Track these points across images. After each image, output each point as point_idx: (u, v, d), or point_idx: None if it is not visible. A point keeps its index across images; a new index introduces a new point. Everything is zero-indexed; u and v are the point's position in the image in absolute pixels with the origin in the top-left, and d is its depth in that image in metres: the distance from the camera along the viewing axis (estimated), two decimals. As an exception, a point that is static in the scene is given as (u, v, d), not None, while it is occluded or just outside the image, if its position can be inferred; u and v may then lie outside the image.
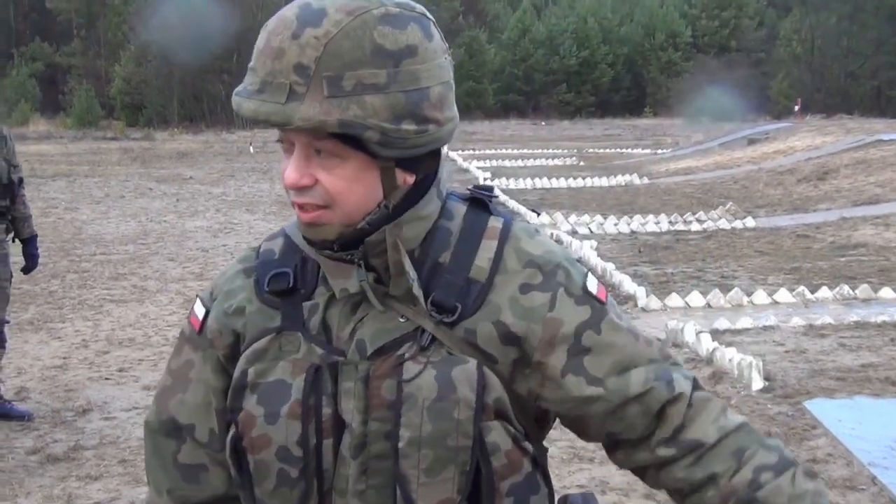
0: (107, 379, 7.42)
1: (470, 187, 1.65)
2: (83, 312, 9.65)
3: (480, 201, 1.61)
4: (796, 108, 42.43)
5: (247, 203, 18.82)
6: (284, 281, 1.57)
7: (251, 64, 1.45)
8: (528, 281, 1.54)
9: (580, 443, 5.77)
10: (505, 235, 1.57)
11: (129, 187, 21.70)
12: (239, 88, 1.46)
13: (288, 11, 1.44)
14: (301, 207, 1.48)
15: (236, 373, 1.56)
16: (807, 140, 25.45)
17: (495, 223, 1.58)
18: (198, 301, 1.67)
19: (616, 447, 1.61)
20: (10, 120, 43.31)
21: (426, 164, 1.53)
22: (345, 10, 1.41)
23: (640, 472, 1.62)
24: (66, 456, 5.87)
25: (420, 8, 1.50)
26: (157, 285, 11.02)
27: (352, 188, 1.47)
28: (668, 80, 57.20)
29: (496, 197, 1.65)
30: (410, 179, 1.51)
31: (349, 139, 1.42)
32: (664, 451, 1.56)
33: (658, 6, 60.75)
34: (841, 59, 55.39)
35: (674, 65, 57.85)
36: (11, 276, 6.56)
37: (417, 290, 1.49)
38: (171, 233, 15.01)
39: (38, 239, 6.70)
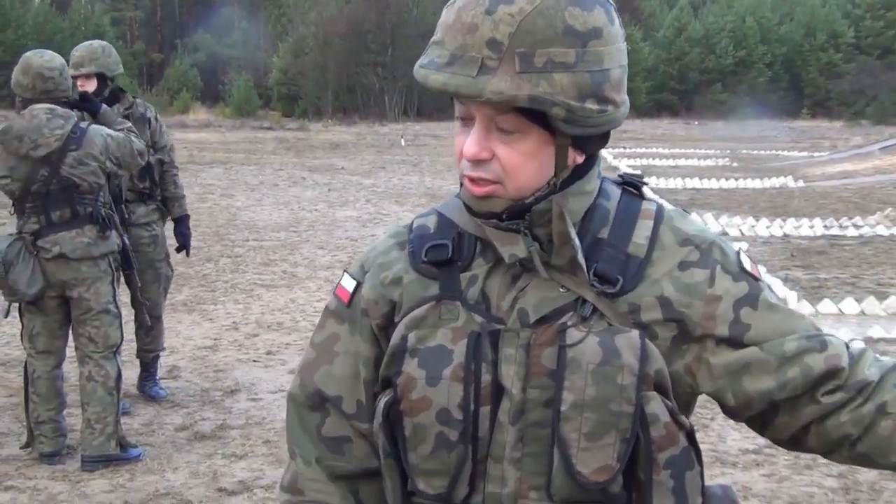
0: (255, 361, 7.58)
1: (620, 174, 1.67)
2: (234, 296, 9.88)
3: (634, 185, 1.64)
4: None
5: (396, 195, 18.98)
6: (443, 252, 1.61)
7: (437, 38, 1.50)
8: (686, 258, 1.57)
9: (722, 447, 5.68)
10: (660, 215, 1.61)
11: (282, 176, 22.09)
12: (423, 61, 1.50)
13: None
14: (473, 181, 1.52)
15: (395, 339, 1.59)
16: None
17: (649, 205, 1.62)
18: (345, 276, 1.72)
19: (777, 412, 1.58)
20: (172, 108, 44.61)
21: (596, 145, 1.57)
22: None
23: (802, 433, 1.59)
24: (212, 434, 6.01)
25: None
26: (306, 272, 11.20)
27: (527, 164, 1.51)
28: (828, 82, 55.78)
29: (647, 183, 1.68)
30: (580, 159, 1.56)
31: (532, 115, 1.47)
32: (830, 399, 1.54)
33: (820, 5, 59.25)
34: None
35: (834, 66, 56.31)
36: (167, 255, 6.73)
37: (581, 259, 1.52)
38: (321, 221, 15.23)
39: (194, 222, 6.81)
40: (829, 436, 1.56)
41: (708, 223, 14.54)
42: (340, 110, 51.13)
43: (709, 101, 56.01)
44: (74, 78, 6.12)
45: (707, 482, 1.65)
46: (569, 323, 1.52)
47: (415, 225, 1.69)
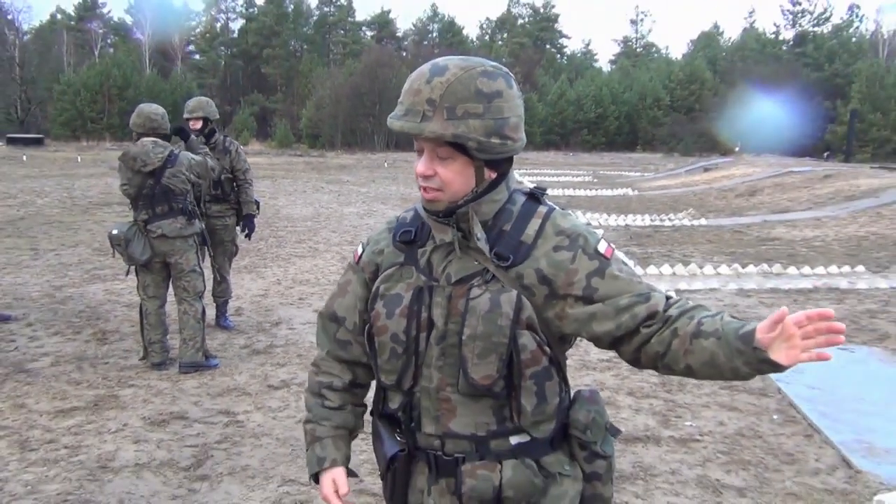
0: (291, 304, 7.52)
1: (530, 187, 1.71)
2: (278, 262, 9.78)
3: (535, 195, 1.67)
4: (737, 148, 41.36)
5: (382, 198, 18.87)
6: (409, 235, 1.66)
7: (400, 99, 1.56)
8: (559, 244, 1.59)
9: (587, 357, 5.73)
10: (547, 215, 1.63)
11: (308, 186, 21.89)
12: (392, 114, 1.55)
13: (424, 67, 1.55)
14: (425, 190, 1.57)
15: (374, 288, 1.65)
16: (742, 170, 24.83)
17: (542, 208, 1.64)
18: (360, 245, 1.78)
19: (619, 343, 1.60)
20: (238, 140, 44.06)
21: (504, 166, 1.60)
22: (459, 67, 1.51)
23: (635, 355, 1.60)
24: (264, 350, 5.97)
25: (505, 69, 1.57)
26: (324, 247, 11.12)
27: (457, 178, 1.55)
28: (653, 129, 56.17)
29: (546, 193, 1.70)
30: (493, 175, 1.59)
31: (457, 147, 1.51)
32: (648, 330, 1.56)
33: (648, 80, 59.57)
34: (766, 117, 53.87)
35: (657, 118, 56.57)
36: (234, 237, 6.67)
37: (483, 245, 1.56)
38: (333, 215, 15.12)
39: (254, 218, 6.77)
40: (648, 354, 1.58)
41: (580, 217, 14.55)
42: (346, 144, 50.77)
43: (579, 141, 56.23)
44: (188, 119, 6.24)
45: (576, 382, 1.69)
46: (475, 284, 1.56)
47: (399, 217, 1.74)
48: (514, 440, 1.59)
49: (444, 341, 1.56)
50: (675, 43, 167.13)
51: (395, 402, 1.65)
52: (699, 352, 1.49)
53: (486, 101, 1.50)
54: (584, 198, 20.38)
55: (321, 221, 14.12)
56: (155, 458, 3.99)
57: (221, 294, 6.62)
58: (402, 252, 1.65)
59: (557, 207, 1.68)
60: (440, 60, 1.54)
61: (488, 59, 1.58)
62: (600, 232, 12.44)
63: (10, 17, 60.55)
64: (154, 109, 5.38)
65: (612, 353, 5.80)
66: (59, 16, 68.00)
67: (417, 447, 1.62)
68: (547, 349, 1.56)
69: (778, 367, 1.42)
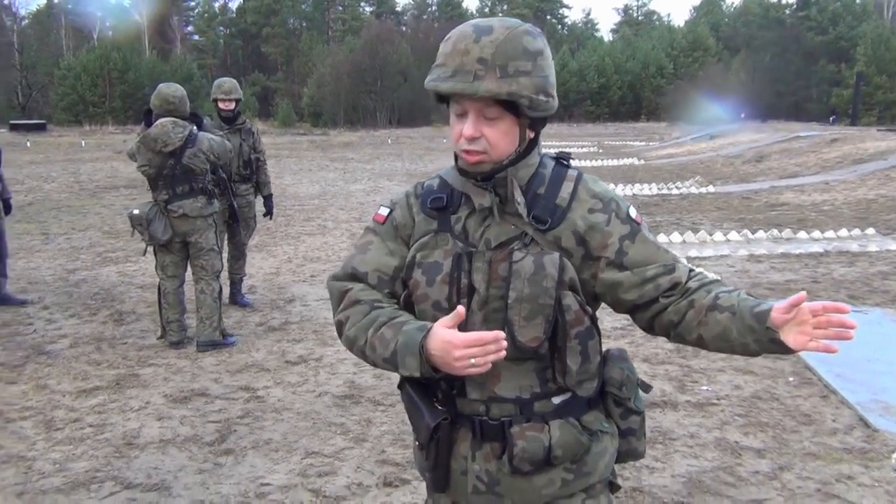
0: (303, 281, 7.56)
1: (556, 152, 1.70)
2: (288, 241, 9.82)
3: (562, 160, 1.67)
4: (742, 115, 41.10)
5: (387, 174, 18.86)
6: (440, 202, 1.64)
7: (439, 62, 1.53)
8: (593, 207, 1.61)
9: (601, 325, 5.75)
10: (579, 178, 1.65)
11: (314, 164, 21.87)
12: (432, 77, 1.53)
13: (465, 28, 1.53)
14: (468, 153, 1.55)
15: (409, 256, 1.62)
16: (749, 136, 24.73)
17: (572, 172, 1.65)
18: (381, 208, 1.73)
19: (637, 310, 1.63)
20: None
21: (539, 126, 1.61)
22: (504, 26, 1.51)
23: (650, 322, 1.63)
24: (280, 327, 6.01)
25: (539, 30, 1.57)
26: (332, 225, 11.14)
27: (503, 139, 1.55)
28: (657, 98, 55.88)
29: (572, 159, 1.71)
30: (531, 135, 1.59)
31: (507, 106, 1.51)
32: (666, 300, 1.59)
33: (651, 49, 59.09)
34: (771, 83, 53.37)
35: (661, 87, 56.28)
36: (255, 215, 6.71)
37: (522, 210, 1.56)
38: (340, 193, 15.12)
39: (273, 197, 6.91)
40: (663, 322, 1.61)
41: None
42: (349, 122, 50.59)
43: (583, 112, 55.94)
44: (222, 100, 6.40)
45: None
46: (516, 247, 1.56)
47: (424, 184, 1.72)
48: (556, 400, 1.61)
49: (487, 306, 1.56)
50: (676, 10, 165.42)
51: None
52: (713, 324, 1.52)
53: (533, 59, 1.51)
54: (590, 168, 20.33)
55: (328, 199, 14.13)
56: (179, 433, 4.04)
57: (238, 271, 6.67)
58: (433, 219, 1.64)
59: (586, 173, 1.70)
60: (478, 22, 1.54)
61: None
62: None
63: (7, 2, 60.25)
64: (173, 91, 5.36)
65: (626, 322, 5.87)
66: (56, 0, 67.54)
67: (458, 414, 1.62)
68: (588, 309, 1.59)
69: (785, 350, 1.46)
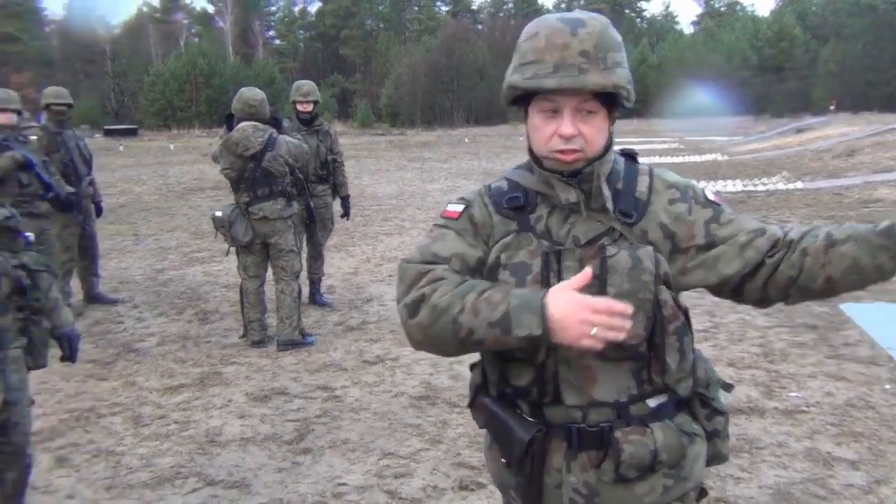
0: (381, 281, 7.61)
1: (620, 149, 1.66)
2: (366, 241, 9.92)
3: (631, 155, 1.64)
4: (832, 107, 39.49)
5: (464, 173, 18.88)
6: (517, 201, 1.58)
7: (531, 59, 1.47)
8: (672, 197, 1.57)
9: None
10: (652, 172, 1.61)
11: (391, 164, 22.08)
12: (528, 75, 1.46)
13: (553, 22, 1.48)
14: (563, 153, 1.49)
15: (491, 258, 1.55)
16: (839, 129, 23.74)
17: (642, 166, 1.62)
18: (450, 205, 1.64)
19: (744, 282, 1.56)
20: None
21: (614, 119, 1.57)
22: (592, 18, 1.49)
23: (763, 291, 1.57)
24: (358, 327, 6.06)
25: None
26: (409, 224, 11.21)
27: (598, 134, 1.50)
28: (741, 91, 54.27)
29: (638, 154, 1.67)
30: (613, 129, 1.56)
31: (602, 99, 1.47)
32: (773, 259, 1.53)
33: (734, 40, 57.52)
34: (863, 73, 51.15)
35: (745, 80, 54.65)
36: (332, 216, 6.80)
37: (610, 204, 1.52)
38: (417, 192, 15.21)
39: (350, 198, 7.01)
40: (779, 283, 1.54)
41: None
42: (426, 121, 50.90)
43: (663, 107, 54.84)
44: (300, 102, 6.53)
45: None
46: (606, 244, 1.50)
47: (492, 186, 1.65)
48: (652, 403, 1.55)
49: None
50: (761, 0, 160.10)
51: (522, 378, 1.55)
52: (838, 260, 1.47)
53: (622, 50, 1.49)
54: (671, 165, 19.86)
55: (405, 199, 14.22)
56: (259, 432, 4.12)
57: (317, 271, 6.76)
58: (511, 220, 1.57)
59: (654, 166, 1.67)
60: (562, 15, 1.51)
61: None
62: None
63: (99, 13, 62.93)
64: (253, 95, 5.48)
65: (709, 324, 5.69)
66: (145, 9, 70.25)
67: (549, 424, 1.54)
68: (681, 303, 1.54)
69: None
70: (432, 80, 51.61)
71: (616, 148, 1.63)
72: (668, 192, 1.57)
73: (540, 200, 1.57)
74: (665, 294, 1.49)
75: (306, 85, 6.60)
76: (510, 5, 71.93)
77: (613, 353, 1.47)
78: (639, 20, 75.45)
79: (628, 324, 1.37)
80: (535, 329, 1.38)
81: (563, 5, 73.43)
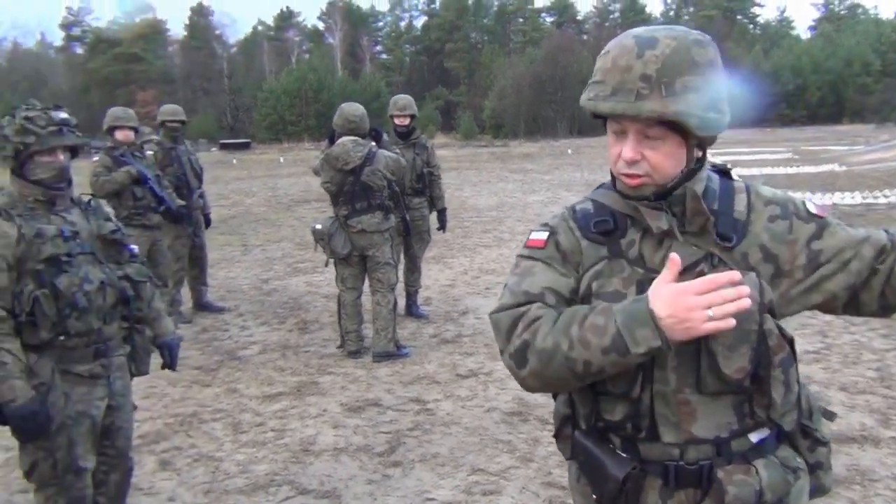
0: (478, 293, 7.60)
1: (712, 164, 1.56)
2: (464, 252, 9.93)
3: (724, 171, 1.55)
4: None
5: (566, 185, 18.67)
6: (607, 225, 1.50)
7: (597, 79, 1.42)
8: (772, 214, 1.47)
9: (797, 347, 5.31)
10: (748, 188, 1.51)
11: (493, 176, 22.07)
12: (590, 95, 1.42)
13: (625, 41, 1.40)
14: (629, 177, 1.43)
15: (583, 287, 1.48)
16: (974, 137, 22.15)
17: (738, 183, 1.52)
18: (534, 234, 1.58)
19: (857, 294, 1.47)
20: (424, 135, 45.56)
21: (708, 144, 1.47)
22: (669, 37, 1.38)
23: (882, 300, 1.47)
24: (453, 339, 6.06)
25: (708, 37, 1.43)
26: (508, 236, 11.15)
27: (667, 161, 1.42)
28: (862, 98, 51.54)
29: (732, 169, 1.57)
30: (699, 154, 1.46)
31: (671, 126, 1.38)
32: (884, 265, 1.44)
33: (855, 45, 54.71)
34: None
35: (867, 86, 51.89)
36: (429, 228, 6.85)
37: (710, 227, 1.43)
38: (518, 204, 15.14)
39: (446, 210, 7.07)
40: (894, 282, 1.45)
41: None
42: (529, 132, 50.74)
43: (777, 115, 52.69)
44: (397, 116, 6.63)
45: None
46: (703, 270, 1.42)
47: (577, 209, 1.57)
48: (753, 438, 1.46)
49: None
50: (884, 2, 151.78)
51: (616, 413, 1.48)
52: None
53: (703, 73, 1.37)
54: (784, 176, 19.01)
55: (505, 211, 14.17)
56: (352, 442, 4.17)
57: (413, 283, 6.82)
58: (601, 244, 1.50)
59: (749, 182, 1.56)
60: (642, 31, 1.41)
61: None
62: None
63: (218, 32, 65.98)
64: (353, 110, 5.60)
65: (820, 345, 5.39)
66: (260, 27, 73.21)
67: (643, 461, 1.48)
68: (787, 332, 1.45)
69: None
70: (536, 91, 51.40)
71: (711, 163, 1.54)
72: (768, 210, 1.47)
73: (630, 224, 1.50)
74: (770, 323, 1.41)
75: (403, 99, 6.69)
76: (616, 14, 70.95)
77: (716, 387, 1.41)
78: (751, 26, 72.88)
79: (745, 289, 1.29)
80: (653, 341, 1.32)
81: (671, 12, 71.82)
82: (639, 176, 1.43)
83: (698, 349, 1.40)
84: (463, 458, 3.92)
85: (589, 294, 1.48)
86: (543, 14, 74.46)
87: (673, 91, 1.35)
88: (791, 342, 1.46)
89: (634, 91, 1.36)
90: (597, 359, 1.35)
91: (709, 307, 1.28)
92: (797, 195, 1.56)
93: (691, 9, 70.37)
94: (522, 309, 1.46)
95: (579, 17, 74.18)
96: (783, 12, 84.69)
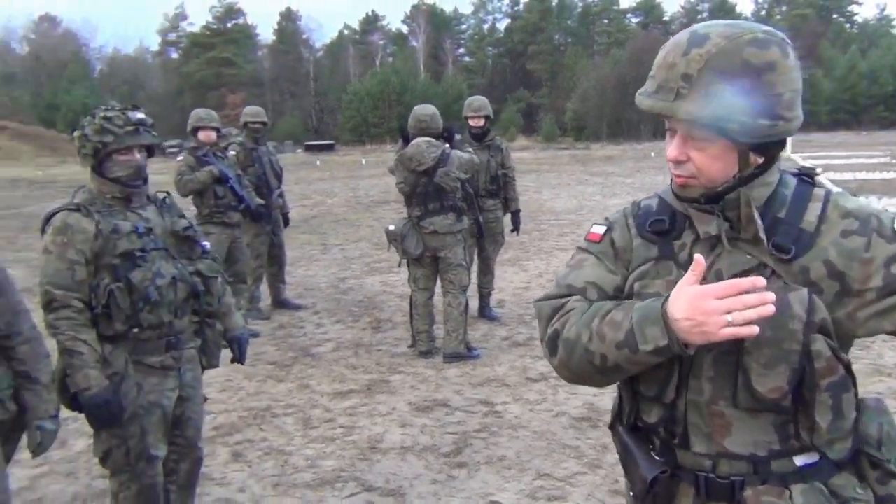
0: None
1: (798, 167, 1.47)
2: (541, 255, 9.85)
3: (808, 175, 1.44)
4: None
5: (648, 189, 18.29)
6: (662, 225, 1.46)
7: (651, 73, 1.37)
8: (847, 228, 1.35)
9: (880, 361, 5.06)
10: (827, 197, 1.40)
11: (573, 179, 21.85)
12: (641, 90, 1.38)
13: (682, 36, 1.35)
14: (676, 175, 1.39)
15: (627, 286, 1.46)
16: None
17: (818, 191, 1.41)
18: (594, 227, 1.56)
19: None
20: (504, 137, 45.61)
21: (774, 149, 1.37)
22: (723, 36, 1.31)
23: None
24: (524, 343, 6.01)
25: (781, 35, 1.33)
26: (586, 240, 11.00)
27: (714, 165, 1.35)
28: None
29: (818, 174, 1.46)
30: (760, 160, 1.36)
31: (717, 128, 1.30)
32: None
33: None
34: None
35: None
36: (503, 230, 6.81)
37: (762, 235, 1.34)
38: (597, 207, 14.93)
39: (521, 213, 7.03)
40: None
41: (872, 203, 13.07)
42: (611, 135, 50.11)
43: (874, 118, 50.40)
44: (471, 117, 6.64)
45: (867, 389, 1.44)
46: None
47: (641, 204, 1.54)
48: (799, 461, 1.38)
49: (718, 348, 1.35)
50: None
51: (651, 416, 1.46)
52: None
53: (755, 76, 1.29)
54: (880, 181, 18.15)
55: (584, 214, 14.00)
56: (419, 442, 4.18)
57: (486, 285, 6.80)
58: (653, 244, 1.46)
59: (836, 188, 1.45)
60: (701, 27, 1.35)
61: (761, 25, 1.36)
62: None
63: (305, 36, 67.51)
64: (423, 111, 5.64)
65: (911, 358, 5.09)
66: (345, 31, 74.56)
67: (679, 466, 1.44)
68: (843, 356, 1.35)
69: None
70: (620, 93, 50.65)
71: (797, 165, 1.47)
72: (843, 223, 1.35)
73: (687, 226, 1.44)
74: (820, 344, 1.31)
75: (477, 100, 6.68)
76: (705, 14, 69.26)
77: (751, 404, 1.35)
78: (848, 25, 69.97)
79: (769, 295, 1.22)
80: (659, 340, 1.29)
81: (762, 12, 69.64)
82: (684, 176, 1.38)
83: (738, 362, 1.34)
84: (529, 462, 3.88)
85: (631, 294, 1.45)
86: (629, 15, 73.35)
87: (713, 93, 1.29)
88: (847, 366, 1.35)
89: (674, 90, 1.31)
90: (611, 353, 1.35)
91: (728, 312, 1.23)
92: (894, 209, 1.45)
93: (784, 7, 68.07)
94: (563, 300, 1.48)
95: (666, 18, 72.74)
96: (883, 11, 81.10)
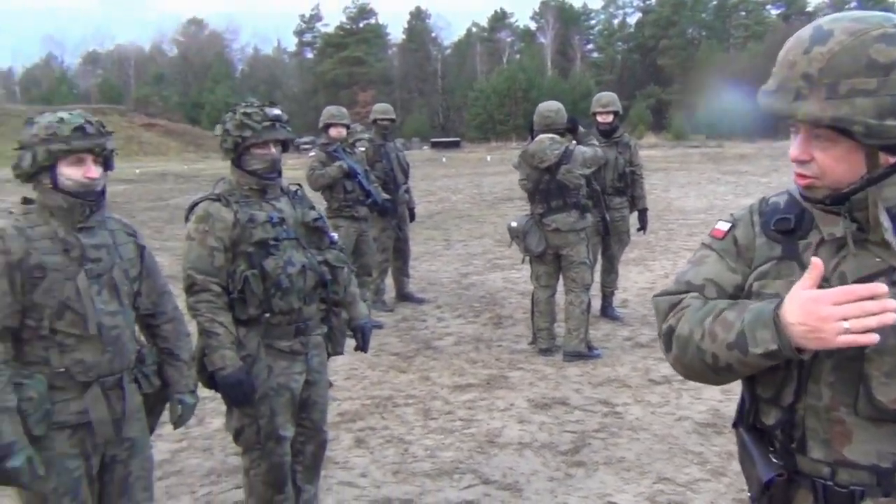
0: (678, 298, 7.30)
1: None
2: (666, 255, 9.60)
3: None
4: None
5: (783, 189, 17.47)
6: (787, 223, 1.40)
7: (774, 70, 1.33)
8: None
9: None
10: None
11: (703, 178, 21.10)
12: (763, 88, 1.34)
13: (804, 32, 1.29)
14: (799, 175, 1.33)
15: (747, 284, 1.41)
16: None
17: None
18: (719, 223, 1.52)
19: None
20: (633, 135, 44.55)
21: None
22: (848, 32, 1.24)
23: None
24: (647, 344, 5.88)
25: None
26: (716, 241, 10.63)
27: (838, 166, 1.28)
28: None
29: None
30: (892, 160, 1.28)
31: (841, 129, 1.23)
32: None
33: None
34: None
35: None
36: (629, 229, 6.67)
37: (890, 237, 1.26)
38: (728, 208, 14.32)
39: (648, 212, 6.91)
40: None
41: None
42: (747, 133, 48.03)
43: None
44: (599, 113, 6.55)
45: None
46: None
47: (769, 201, 1.49)
48: None
49: (839, 353, 1.29)
50: None
51: (770, 418, 1.42)
52: None
53: (883, 74, 1.21)
54: None
55: (714, 214, 13.48)
56: (536, 439, 4.17)
57: (610, 284, 6.70)
58: (777, 243, 1.40)
59: None
60: (826, 21, 1.29)
61: (894, 17, 1.28)
62: None
63: (433, 34, 68.50)
64: (548, 107, 5.62)
65: None
66: (474, 29, 74.98)
67: (797, 471, 1.39)
68: None
69: None
70: (757, 88, 48.58)
71: None
72: None
73: (815, 224, 1.38)
74: None
75: (606, 96, 6.58)
76: (853, 4, 65.18)
77: (872, 413, 1.28)
78: None
79: (892, 303, 1.15)
80: (770, 344, 1.24)
81: (919, 0, 64.73)
82: (807, 176, 1.33)
83: (860, 369, 1.28)
84: (649, 465, 3.80)
85: (749, 294, 1.40)
86: (768, 6, 69.99)
87: (836, 93, 1.22)
88: None
89: (794, 90, 1.26)
90: (722, 353, 1.32)
91: (844, 319, 1.16)
92: None
93: (944, -5, 62.98)
94: (680, 297, 1.45)
95: (809, 9, 68.91)
96: None
